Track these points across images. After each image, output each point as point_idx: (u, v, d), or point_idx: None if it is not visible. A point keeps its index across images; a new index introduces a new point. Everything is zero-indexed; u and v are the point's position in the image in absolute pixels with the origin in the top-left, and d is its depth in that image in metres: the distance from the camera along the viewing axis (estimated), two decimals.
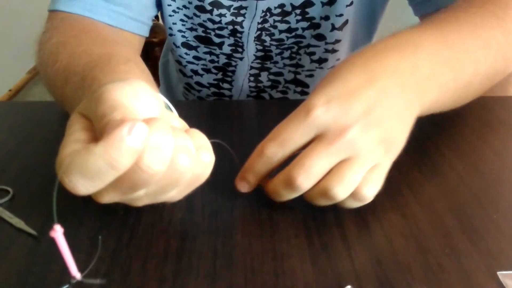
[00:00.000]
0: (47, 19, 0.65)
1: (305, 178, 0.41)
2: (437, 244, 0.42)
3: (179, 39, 0.82)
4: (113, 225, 0.44)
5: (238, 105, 0.69)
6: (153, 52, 1.67)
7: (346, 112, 0.41)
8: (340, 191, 0.41)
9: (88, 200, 0.47)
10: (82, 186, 0.34)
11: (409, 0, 0.71)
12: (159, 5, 0.77)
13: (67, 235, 0.43)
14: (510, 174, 0.52)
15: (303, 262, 0.40)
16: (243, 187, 0.46)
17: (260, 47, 0.79)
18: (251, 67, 0.83)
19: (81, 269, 0.39)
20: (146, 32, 0.71)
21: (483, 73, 0.52)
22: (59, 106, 0.56)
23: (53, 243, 0.42)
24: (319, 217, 0.45)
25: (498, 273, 0.39)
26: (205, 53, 0.82)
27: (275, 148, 0.42)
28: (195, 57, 0.84)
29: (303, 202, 0.47)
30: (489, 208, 0.47)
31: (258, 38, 0.78)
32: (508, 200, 0.48)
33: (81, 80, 0.48)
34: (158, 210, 0.45)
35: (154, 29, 1.05)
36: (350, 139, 0.40)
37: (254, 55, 0.81)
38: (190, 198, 0.47)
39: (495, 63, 0.53)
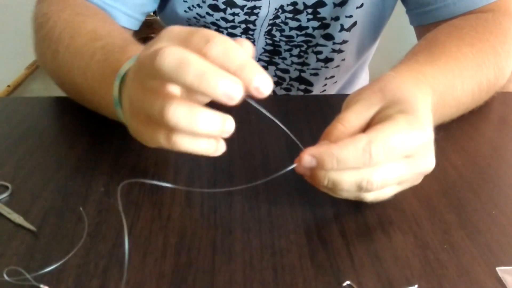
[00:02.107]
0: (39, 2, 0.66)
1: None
2: (436, 239, 0.42)
3: None
4: (112, 220, 0.44)
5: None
6: None
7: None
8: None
9: (88, 196, 0.47)
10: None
11: (407, 9, 0.72)
12: (164, 1, 0.77)
13: (65, 229, 0.43)
14: (509, 170, 0.52)
15: (302, 258, 0.40)
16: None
17: (269, 41, 0.80)
18: (259, 59, 0.83)
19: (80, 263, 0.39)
20: (136, 27, 0.72)
21: (464, 108, 0.58)
22: (72, 88, 0.56)
23: (52, 238, 0.42)
24: (318, 213, 0.45)
25: (497, 268, 0.39)
26: None
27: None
28: None
29: (301, 198, 0.47)
30: (488, 204, 0.47)
31: (268, 33, 0.78)
32: (507, 195, 0.48)
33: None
34: (157, 205, 0.45)
35: (153, 24, 1.05)
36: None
37: (263, 48, 0.81)
38: (189, 194, 0.47)
39: (479, 98, 0.59)
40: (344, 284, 0.38)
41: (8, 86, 1.95)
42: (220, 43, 0.36)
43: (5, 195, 0.47)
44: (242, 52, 0.37)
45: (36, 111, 0.62)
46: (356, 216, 0.45)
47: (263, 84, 0.36)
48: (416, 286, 0.38)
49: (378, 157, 0.39)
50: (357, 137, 0.40)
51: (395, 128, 0.40)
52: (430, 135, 0.42)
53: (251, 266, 0.39)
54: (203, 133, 0.37)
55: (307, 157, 0.41)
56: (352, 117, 0.43)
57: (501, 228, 0.44)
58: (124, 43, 0.51)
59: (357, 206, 0.45)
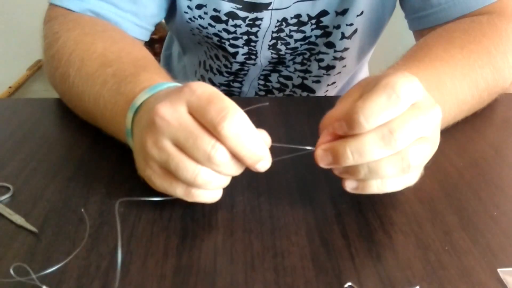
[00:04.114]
0: (51, 15, 0.65)
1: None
2: (437, 241, 0.42)
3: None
4: (114, 221, 0.44)
5: (237, 101, 0.68)
6: (153, 48, 1.67)
7: None
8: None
9: (89, 197, 0.47)
10: None
11: (406, 14, 0.72)
12: (171, 10, 0.77)
13: (66, 230, 0.43)
14: (510, 171, 0.52)
15: (303, 259, 0.40)
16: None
17: (275, 56, 0.80)
18: (263, 69, 0.83)
19: (82, 264, 0.39)
20: (147, 37, 0.72)
21: (467, 109, 0.57)
22: (77, 105, 0.56)
23: (53, 239, 0.42)
24: (319, 214, 0.45)
25: (499, 270, 0.39)
26: (223, 56, 0.83)
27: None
28: (215, 56, 0.84)
29: (303, 199, 0.47)
30: (489, 205, 0.47)
31: (273, 47, 0.78)
32: (508, 197, 0.48)
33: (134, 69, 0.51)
34: (159, 206, 0.45)
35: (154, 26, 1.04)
36: None
37: (268, 61, 0.81)
38: None
39: (480, 99, 0.58)
40: (346, 285, 0.38)
41: (10, 87, 1.95)
42: (235, 124, 0.38)
43: (6, 196, 0.47)
44: (253, 139, 0.40)
45: (37, 113, 0.62)
46: (357, 217, 0.45)
47: (262, 168, 0.41)
48: (418, 287, 0.38)
49: (405, 96, 0.38)
50: (373, 90, 0.39)
51: (395, 76, 0.39)
52: (418, 81, 0.40)
53: (253, 268, 0.39)
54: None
55: (337, 123, 0.40)
56: (339, 106, 0.43)
57: (502, 230, 0.44)
58: (135, 70, 0.51)
59: (359, 207, 0.45)
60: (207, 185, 0.41)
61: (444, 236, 0.43)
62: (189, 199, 0.42)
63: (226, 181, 0.42)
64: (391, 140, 0.38)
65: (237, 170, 0.41)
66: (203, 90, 0.40)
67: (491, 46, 0.58)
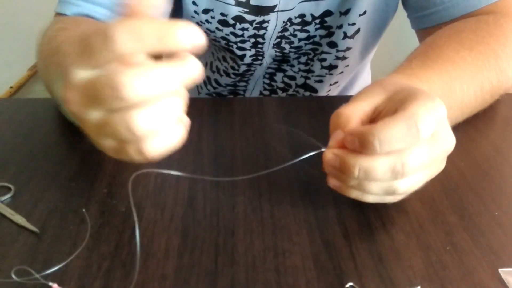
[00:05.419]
0: (51, 21, 0.66)
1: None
2: (439, 241, 0.42)
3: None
4: (115, 222, 0.44)
5: (239, 102, 0.69)
6: None
7: None
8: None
9: (90, 197, 0.47)
10: None
11: (408, 13, 0.73)
12: (177, 15, 0.77)
13: (68, 231, 0.43)
14: (511, 171, 0.52)
15: (304, 259, 0.40)
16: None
17: (279, 54, 0.80)
18: (268, 67, 0.84)
19: (82, 263, 0.39)
20: None
21: (469, 112, 0.57)
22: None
23: (54, 240, 0.42)
24: (320, 214, 0.45)
25: (500, 270, 0.39)
26: (231, 58, 0.83)
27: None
28: (222, 57, 0.85)
29: (304, 199, 0.47)
30: (490, 205, 0.47)
31: (277, 45, 0.78)
32: (509, 197, 0.48)
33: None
34: (160, 207, 0.45)
35: None
36: None
37: (273, 58, 0.81)
38: (192, 195, 0.47)
39: (482, 101, 0.58)
40: (347, 285, 0.38)
41: (11, 87, 1.95)
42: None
43: (7, 196, 0.47)
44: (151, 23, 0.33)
45: (38, 113, 0.62)
46: (358, 217, 0.45)
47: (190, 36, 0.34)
48: (419, 287, 0.38)
49: (425, 130, 0.37)
50: (395, 116, 0.38)
51: (422, 104, 0.38)
52: (445, 109, 0.41)
53: (254, 268, 0.39)
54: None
55: (350, 137, 0.39)
56: (356, 104, 0.42)
57: (504, 230, 0.44)
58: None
59: (360, 207, 0.45)
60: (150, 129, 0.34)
61: (445, 236, 0.43)
62: (150, 157, 0.36)
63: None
64: (399, 173, 0.38)
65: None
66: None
67: (498, 48, 0.58)
